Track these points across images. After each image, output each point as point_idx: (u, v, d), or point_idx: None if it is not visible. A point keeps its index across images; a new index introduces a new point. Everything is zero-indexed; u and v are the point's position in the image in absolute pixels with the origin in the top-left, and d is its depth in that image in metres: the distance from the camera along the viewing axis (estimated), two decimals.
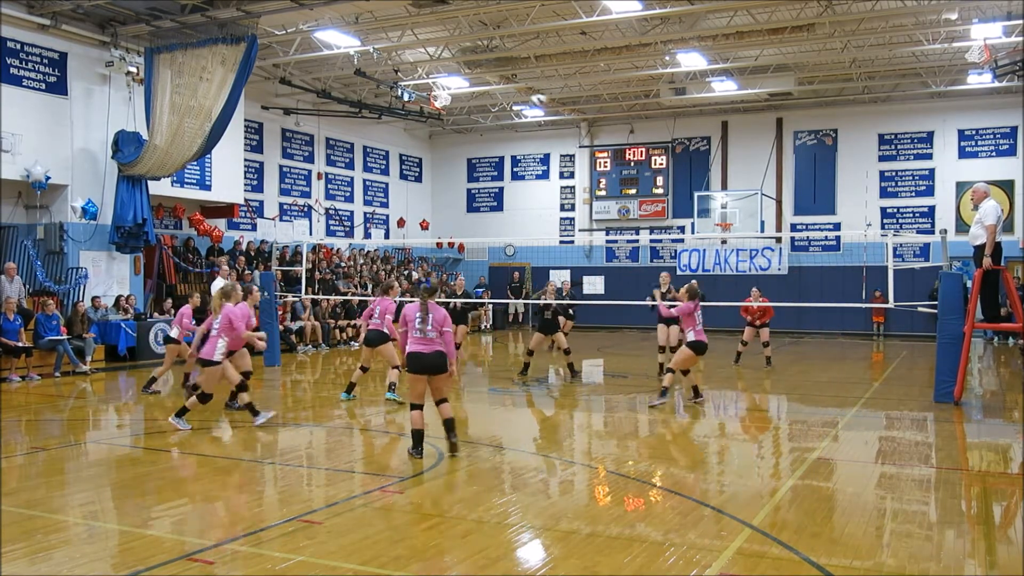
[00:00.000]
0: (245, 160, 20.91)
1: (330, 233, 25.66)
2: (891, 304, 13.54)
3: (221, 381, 9.59)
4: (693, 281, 11.40)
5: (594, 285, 27.00)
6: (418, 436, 7.99)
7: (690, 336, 11.10)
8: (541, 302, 14.58)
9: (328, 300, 20.62)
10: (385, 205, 28.06)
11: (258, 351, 10.51)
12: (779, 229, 25.18)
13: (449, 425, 8.08)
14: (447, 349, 7.95)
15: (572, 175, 28.41)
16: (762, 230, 24.42)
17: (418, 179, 29.75)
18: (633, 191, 27.38)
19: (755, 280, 24.57)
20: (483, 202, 29.65)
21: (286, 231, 23.64)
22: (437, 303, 8.24)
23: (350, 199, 26.58)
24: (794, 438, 9.57)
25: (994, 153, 23.57)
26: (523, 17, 17.42)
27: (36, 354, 14.20)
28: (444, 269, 28.68)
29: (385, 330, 11.44)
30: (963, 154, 23.92)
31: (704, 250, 25.93)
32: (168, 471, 7.70)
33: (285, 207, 24.10)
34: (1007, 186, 23.08)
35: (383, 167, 28.07)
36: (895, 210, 24.60)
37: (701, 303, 11.25)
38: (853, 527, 5.90)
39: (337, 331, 20.73)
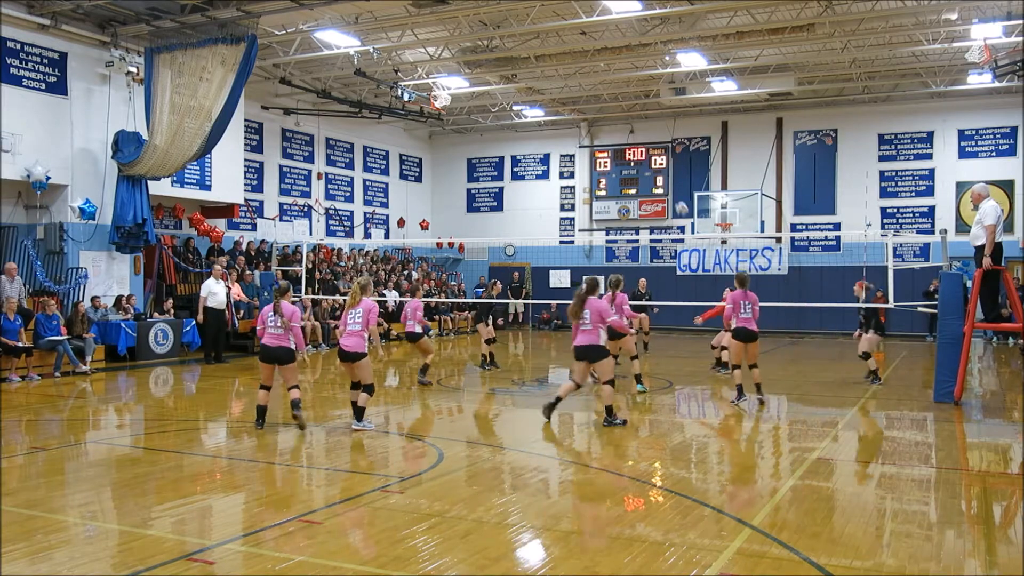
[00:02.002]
0: (245, 160, 20.91)
1: (330, 233, 25.66)
2: (891, 304, 13.54)
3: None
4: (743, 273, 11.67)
5: None
6: (261, 411, 9.49)
7: (732, 323, 11.42)
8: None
9: (328, 300, 20.63)
10: (385, 205, 28.07)
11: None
12: (779, 229, 25.19)
13: (295, 404, 9.36)
14: (296, 343, 9.38)
15: (572, 175, 28.41)
16: (762, 230, 24.42)
17: (418, 179, 29.75)
18: (633, 191, 27.38)
19: (756, 280, 24.53)
20: (483, 202, 29.65)
21: (286, 231, 23.64)
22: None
23: (350, 199, 26.59)
24: (794, 438, 9.57)
25: (994, 153, 23.58)
26: (523, 17, 17.42)
27: (36, 354, 14.20)
28: (444, 269, 28.71)
29: (625, 320, 11.90)
30: (963, 154, 23.92)
31: (704, 250, 25.93)
32: (168, 471, 7.70)
33: (285, 207, 24.10)
34: (1007, 186, 23.08)
35: (383, 167, 28.07)
36: (895, 210, 24.60)
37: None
38: (853, 527, 5.90)
39: (337, 331, 20.70)
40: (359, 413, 9.39)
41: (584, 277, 12.37)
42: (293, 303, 9.60)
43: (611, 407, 9.78)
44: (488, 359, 15.72)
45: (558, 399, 9.88)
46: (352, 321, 9.47)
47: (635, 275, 25.41)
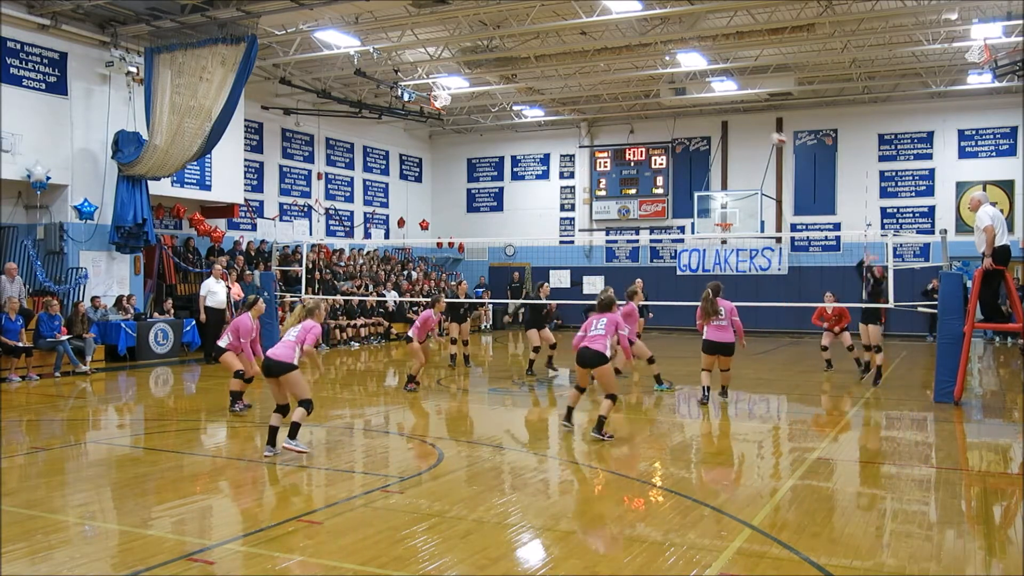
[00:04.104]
0: (245, 160, 20.91)
1: (330, 233, 25.66)
2: (891, 304, 13.54)
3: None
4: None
5: (594, 285, 26.98)
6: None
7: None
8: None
9: (328, 300, 20.60)
10: (385, 205, 28.06)
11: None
12: (779, 229, 25.18)
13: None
14: (253, 350, 10.85)
15: (572, 175, 28.42)
16: (762, 230, 24.42)
17: (418, 179, 29.75)
18: (633, 191, 27.38)
19: (756, 280, 24.64)
20: (483, 202, 29.65)
21: (286, 231, 23.64)
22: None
23: (350, 199, 26.59)
24: (794, 438, 9.57)
25: (994, 153, 23.57)
26: (523, 17, 17.42)
27: (36, 354, 14.20)
28: (444, 269, 28.70)
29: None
30: (963, 154, 23.91)
31: (704, 250, 25.93)
32: (168, 471, 7.70)
33: (285, 207, 24.10)
34: (1007, 186, 23.08)
35: (383, 167, 28.07)
36: (895, 210, 24.60)
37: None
38: (853, 527, 5.90)
39: (337, 331, 20.73)
40: (293, 430, 8.16)
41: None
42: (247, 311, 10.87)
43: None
44: (452, 358, 16.08)
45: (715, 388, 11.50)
46: (288, 335, 8.65)
47: (636, 275, 25.35)
